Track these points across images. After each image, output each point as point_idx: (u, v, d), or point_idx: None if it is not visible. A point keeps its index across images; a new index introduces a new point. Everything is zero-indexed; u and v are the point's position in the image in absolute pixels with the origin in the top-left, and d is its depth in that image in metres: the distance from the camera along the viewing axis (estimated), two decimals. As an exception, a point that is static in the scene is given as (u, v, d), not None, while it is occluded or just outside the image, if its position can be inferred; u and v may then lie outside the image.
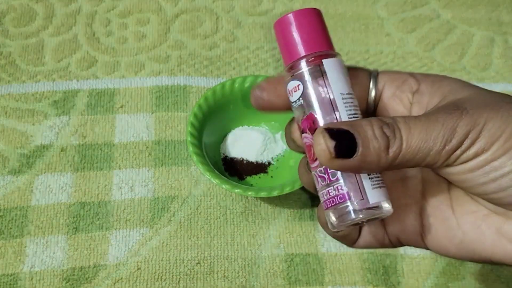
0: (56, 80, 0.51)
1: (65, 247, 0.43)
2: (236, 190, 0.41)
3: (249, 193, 0.41)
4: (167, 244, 0.44)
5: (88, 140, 0.48)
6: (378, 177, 0.25)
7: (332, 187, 0.25)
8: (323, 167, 0.25)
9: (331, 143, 0.23)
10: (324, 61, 0.25)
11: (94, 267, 0.42)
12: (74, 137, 0.48)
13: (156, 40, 0.54)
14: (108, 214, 0.45)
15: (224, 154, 0.48)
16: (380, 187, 0.25)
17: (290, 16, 0.26)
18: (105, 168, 0.47)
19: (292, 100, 0.26)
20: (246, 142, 0.48)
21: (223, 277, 0.43)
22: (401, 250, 0.45)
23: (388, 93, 0.27)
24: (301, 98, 0.25)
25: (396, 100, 0.27)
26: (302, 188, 0.44)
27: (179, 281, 0.42)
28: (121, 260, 0.43)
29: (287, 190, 0.42)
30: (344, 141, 0.23)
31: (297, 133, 0.27)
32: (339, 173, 0.24)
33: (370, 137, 0.23)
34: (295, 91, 0.25)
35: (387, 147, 0.23)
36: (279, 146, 0.48)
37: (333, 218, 0.25)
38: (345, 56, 0.56)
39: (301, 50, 0.25)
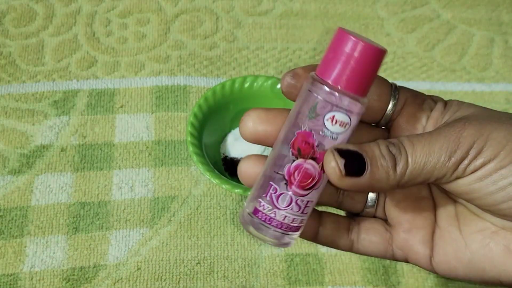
0: (56, 80, 0.51)
1: (65, 247, 0.43)
2: (236, 190, 0.41)
3: (249, 193, 0.41)
4: (167, 244, 0.44)
5: (88, 140, 0.48)
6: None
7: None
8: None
9: (341, 161, 0.23)
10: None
11: (94, 267, 0.42)
12: (74, 137, 0.48)
13: (156, 40, 0.54)
14: (108, 214, 0.45)
15: (224, 154, 0.48)
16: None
17: (376, 48, 0.26)
18: (105, 168, 0.47)
19: (331, 130, 0.24)
20: (246, 142, 0.48)
21: (223, 277, 0.43)
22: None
23: (409, 111, 0.27)
24: (348, 131, 0.24)
25: (414, 119, 0.27)
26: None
27: (179, 281, 0.42)
28: (121, 260, 0.43)
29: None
30: (353, 160, 0.23)
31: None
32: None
33: (377, 156, 0.24)
34: (341, 126, 0.24)
35: (395, 165, 0.23)
36: (279, 146, 0.48)
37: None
38: (345, 56, 0.56)
39: (364, 90, 0.25)
